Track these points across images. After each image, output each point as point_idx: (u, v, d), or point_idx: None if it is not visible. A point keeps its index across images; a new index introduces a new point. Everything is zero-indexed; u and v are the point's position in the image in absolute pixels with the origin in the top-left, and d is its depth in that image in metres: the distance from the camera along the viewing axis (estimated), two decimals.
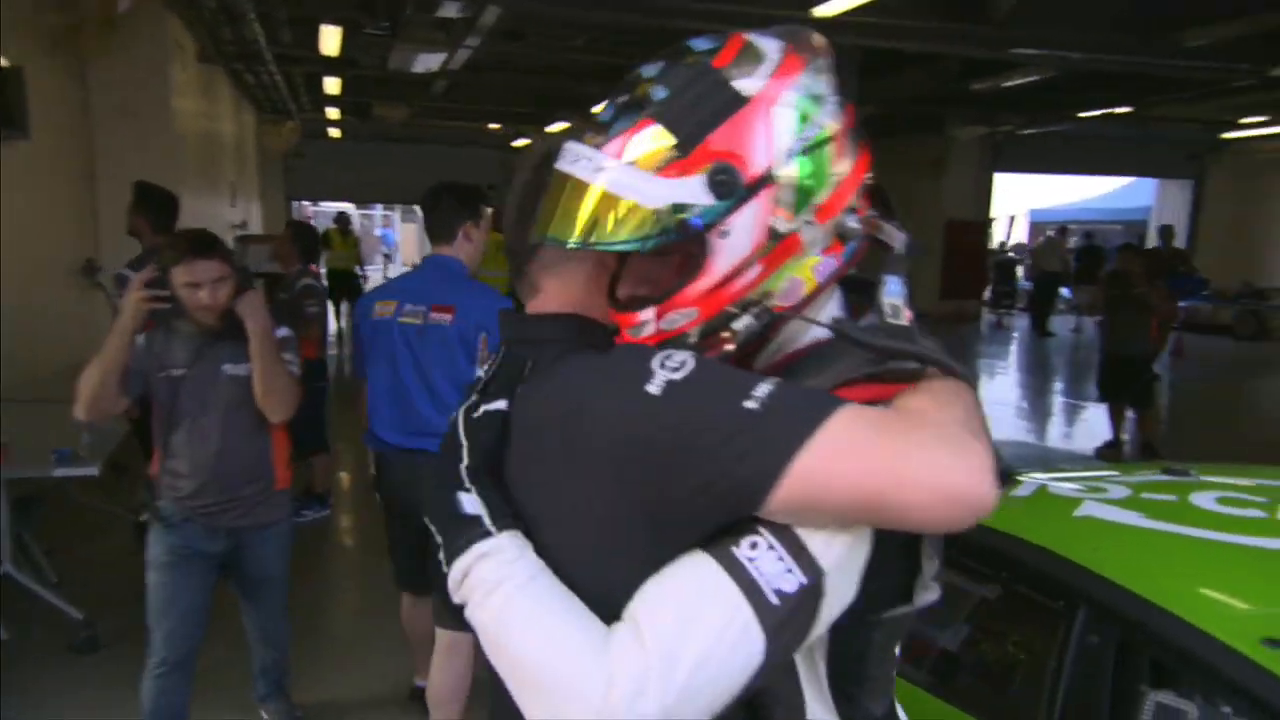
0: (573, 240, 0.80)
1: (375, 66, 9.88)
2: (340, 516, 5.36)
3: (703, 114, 0.80)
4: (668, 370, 0.76)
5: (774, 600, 0.71)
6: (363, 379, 2.90)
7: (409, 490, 2.70)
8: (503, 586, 0.79)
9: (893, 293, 0.84)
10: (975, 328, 15.91)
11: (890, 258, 0.87)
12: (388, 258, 26.77)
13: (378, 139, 17.98)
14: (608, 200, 0.79)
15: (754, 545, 0.73)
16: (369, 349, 2.81)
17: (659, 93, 0.81)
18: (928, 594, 0.88)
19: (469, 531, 0.82)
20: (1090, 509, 1.80)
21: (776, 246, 0.82)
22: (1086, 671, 1.49)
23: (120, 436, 3.97)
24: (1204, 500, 1.82)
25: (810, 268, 0.85)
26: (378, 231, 29.07)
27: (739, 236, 0.81)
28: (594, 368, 0.83)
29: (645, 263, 0.88)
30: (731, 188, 0.79)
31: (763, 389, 0.73)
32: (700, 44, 0.85)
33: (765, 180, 0.81)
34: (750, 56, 0.82)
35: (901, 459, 0.69)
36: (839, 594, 0.75)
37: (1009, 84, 10.51)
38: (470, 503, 0.84)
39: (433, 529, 0.89)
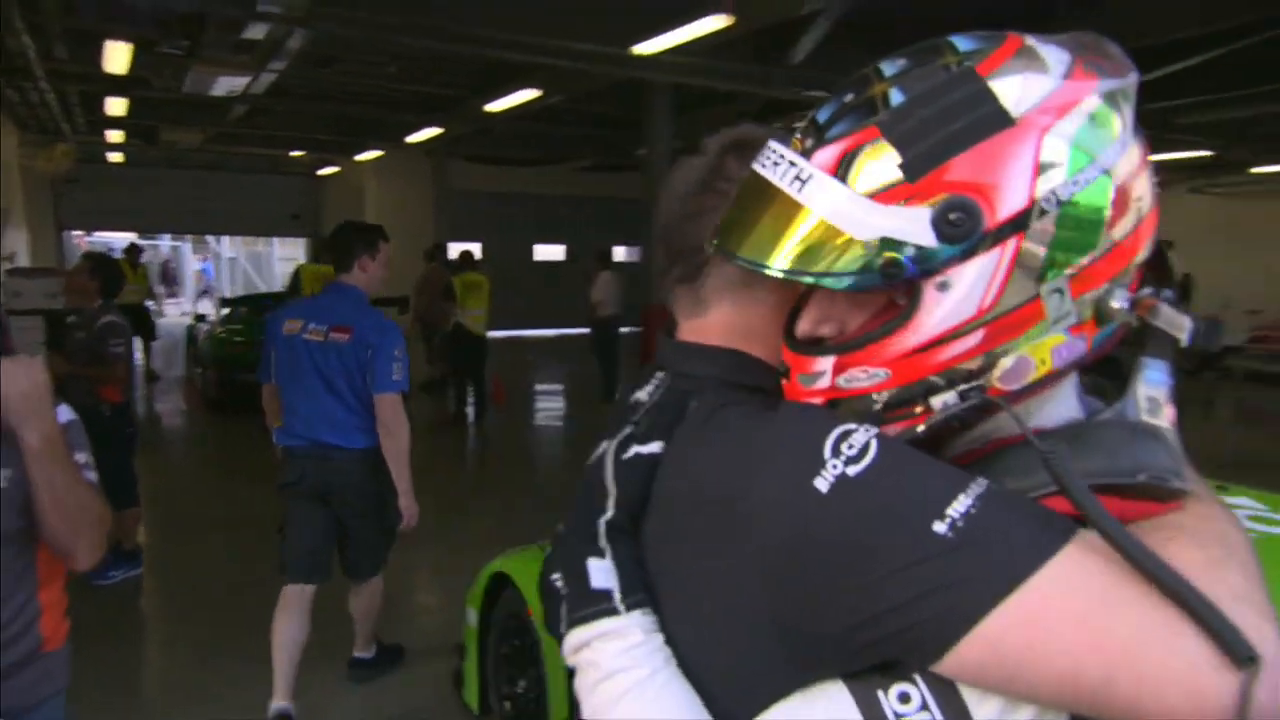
0: (773, 267, 0.64)
1: (168, 88, 9.10)
2: (149, 575, 4.80)
3: (947, 132, 0.62)
4: (842, 460, 0.61)
5: None
6: (264, 383, 3.24)
7: (314, 479, 3.09)
8: (621, 676, 0.70)
9: (1154, 381, 0.67)
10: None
11: (1155, 337, 0.67)
12: (205, 293, 23.57)
13: (166, 164, 16.56)
14: (806, 220, 0.63)
15: (904, 698, 0.61)
16: (280, 361, 3.14)
17: (896, 96, 0.64)
18: None
19: (597, 603, 0.73)
20: None
21: (1011, 314, 0.64)
22: None
23: None
24: None
25: (1050, 348, 0.65)
26: (197, 265, 26.39)
27: (962, 292, 0.63)
28: (756, 442, 0.68)
29: (837, 297, 0.70)
30: (965, 232, 0.61)
31: (962, 504, 0.57)
32: (964, 42, 0.66)
33: (1014, 228, 0.62)
34: (1030, 65, 0.63)
35: (1149, 635, 0.53)
36: None
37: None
38: (602, 573, 0.74)
39: (555, 576, 0.78)
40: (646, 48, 7.18)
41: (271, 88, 9.52)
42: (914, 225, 0.61)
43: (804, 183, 0.63)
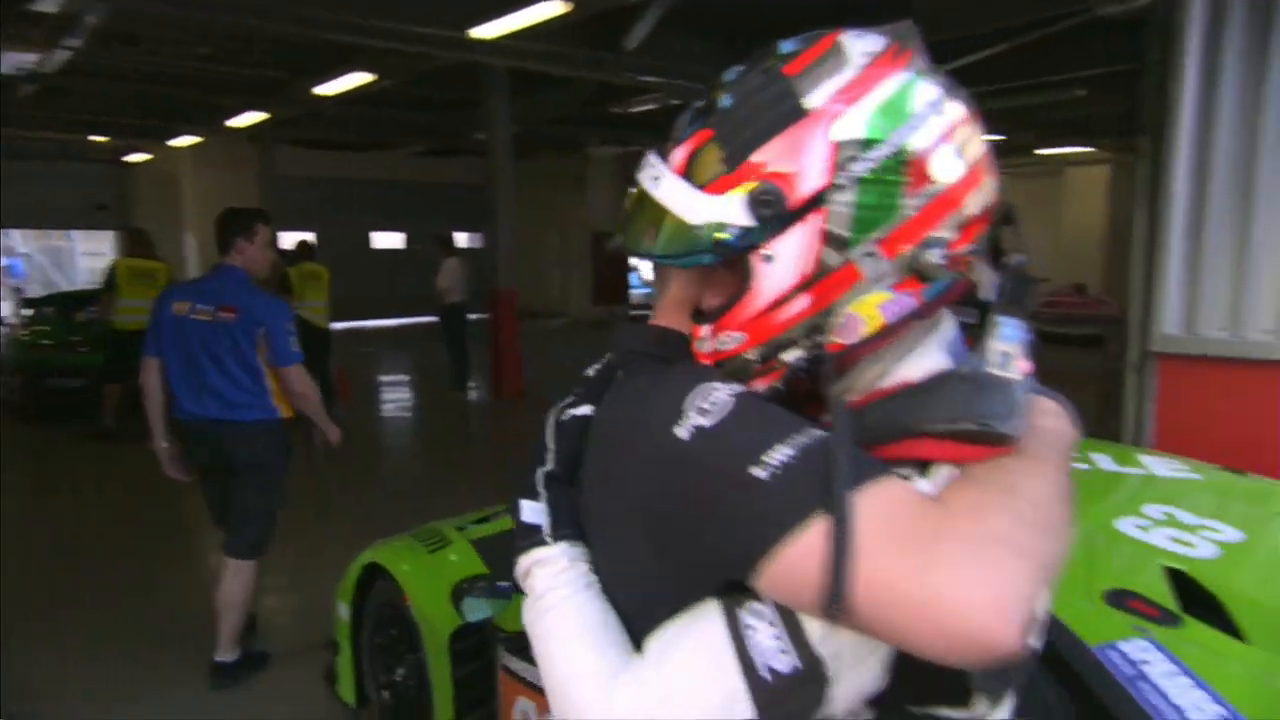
0: (633, 250, 0.79)
1: None
2: None
3: (756, 127, 0.73)
4: (698, 412, 0.70)
5: (766, 676, 0.68)
6: (150, 358, 3.32)
7: (209, 451, 3.31)
8: (546, 597, 0.82)
9: (1007, 337, 0.72)
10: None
11: (1007, 296, 0.75)
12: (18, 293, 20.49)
13: None
14: (660, 212, 0.76)
15: (757, 614, 0.69)
16: (167, 341, 3.26)
17: (725, 100, 0.75)
18: (989, 707, 0.73)
19: (529, 537, 0.86)
20: None
21: (829, 277, 0.73)
22: None
23: None
24: None
25: (876, 305, 0.73)
26: (3, 261, 23.19)
27: (784, 263, 0.73)
28: (643, 394, 0.79)
29: (715, 276, 0.80)
30: (773, 212, 0.72)
31: (781, 454, 0.66)
32: (787, 45, 0.76)
33: (814, 204, 0.72)
34: (831, 62, 0.73)
35: (913, 577, 0.60)
36: (853, 682, 0.69)
37: (639, 108, 11.49)
38: (532, 511, 0.86)
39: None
40: (484, 32, 7.09)
41: (68, 66, 8.67)
42: (734, 209, 0.73)
43: (657, 181, 0.76)
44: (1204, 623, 1.48)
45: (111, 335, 7.43)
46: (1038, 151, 15.95)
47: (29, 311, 9.50)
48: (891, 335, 0.74)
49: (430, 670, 2.52)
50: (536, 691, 2.06)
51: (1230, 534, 1.78)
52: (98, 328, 7.72)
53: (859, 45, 0.74)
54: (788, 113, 0.72)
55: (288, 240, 9.84)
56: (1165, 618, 1.48)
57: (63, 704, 3.29)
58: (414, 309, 15.52)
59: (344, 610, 2.94)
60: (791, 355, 0.76)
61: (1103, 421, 5.11)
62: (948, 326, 0.80)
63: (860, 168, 0.71)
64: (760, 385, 0.78)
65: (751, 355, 0.77)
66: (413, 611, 2.58)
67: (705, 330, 0.80)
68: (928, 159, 0.72)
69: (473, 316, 9.87)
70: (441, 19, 7.01)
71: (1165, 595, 1.54)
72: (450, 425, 9.14)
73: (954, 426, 0.68)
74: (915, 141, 0.72)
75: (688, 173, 0.76)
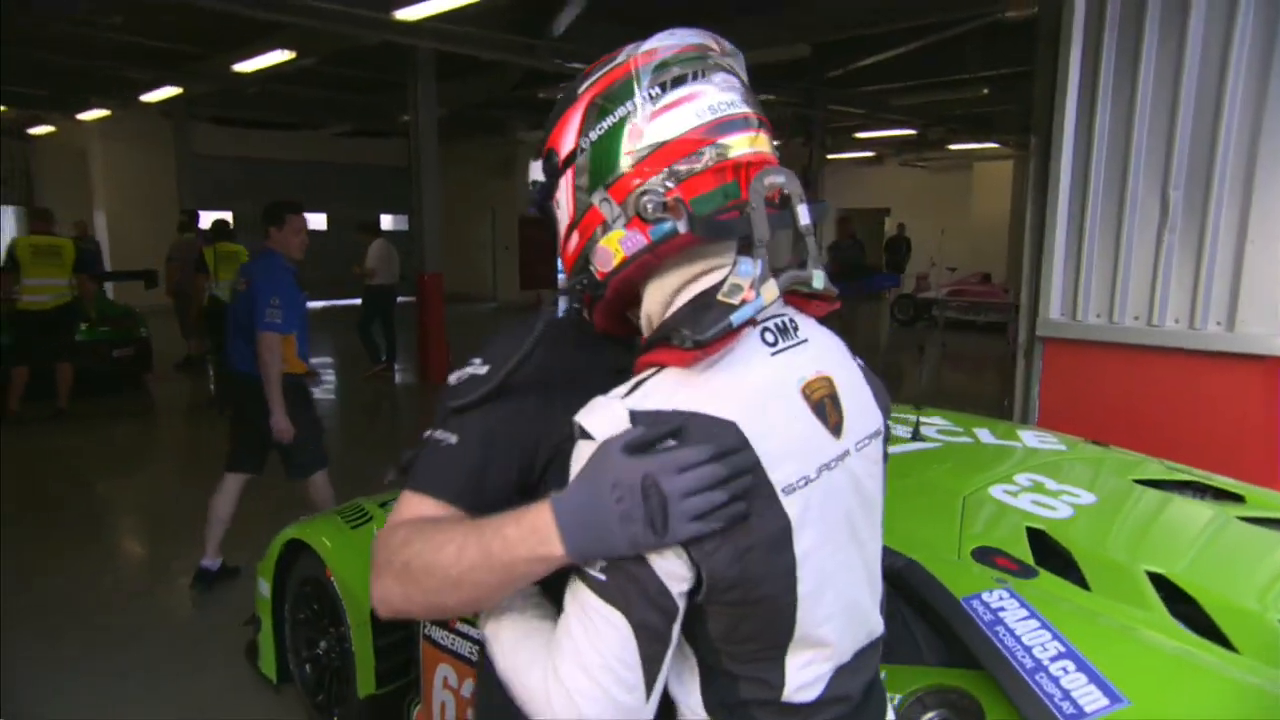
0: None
1: None
2: None
3: (555, 110, 0.98)
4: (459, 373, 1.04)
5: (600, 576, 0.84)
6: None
7: (246, 400, 3.89)
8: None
9: (741, 273, 0.89)
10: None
11: (755, 240, 0.89)
12: None
13: None
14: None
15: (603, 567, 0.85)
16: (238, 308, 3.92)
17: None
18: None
19: None
20: None
21: (584, 219, 0.95)
22: None
23: None
24: None
25: (617, 240, 0.92)
26: None
27: (562, 208, 0.98)
28: None
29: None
30: (551, 170, 0.97)
31: (438, 427, 1.01)
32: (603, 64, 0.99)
33: (569, 163, 0.95)
34: (607, 63, 0.96)
35: (374, 563, 0.95)
36: (668, 575, 0.83)
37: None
38: None
39: None
40: (410, 13, 7.00)
41: None
42: (538, 167, 0.99)
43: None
44: (1056, 575, 1.65)
45: (15, 316, 7.11)
46: (949, 147, 16.51)
47: None
48: (643, 266, 0.92)
49: (353, 642, 2.56)
50: (456, 659, 2.12)
51: (1085, 498, 1.96)
52: (2, 309, 7.36)
53: (630, 48, 0.95)
54: (568, 98, 0.97)
55: (205, 220, 9.54)
56: (1023, 571, 1.64)
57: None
58: (336, 292, 15.18)
59: (265, 587, 2.95)
60: (582, 281, 0.97)
61: (1000, 401, 5.40)
62: (725, 262, 0.95)
63: (594, 134, 0.93)
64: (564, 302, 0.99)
65: (569, 283, 0.98)
66: (336, 586, 2.61)
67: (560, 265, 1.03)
68: (642, 127, 0.91)
69: (401, 299, 9.76)
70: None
71: (1025, 552, 1.71)
72: (374, 407, 9.05)
73: (666, 337, 0.89)
74: (636, 115, 0.91)
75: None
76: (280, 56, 8.87)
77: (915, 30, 8.35)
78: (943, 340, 12.26)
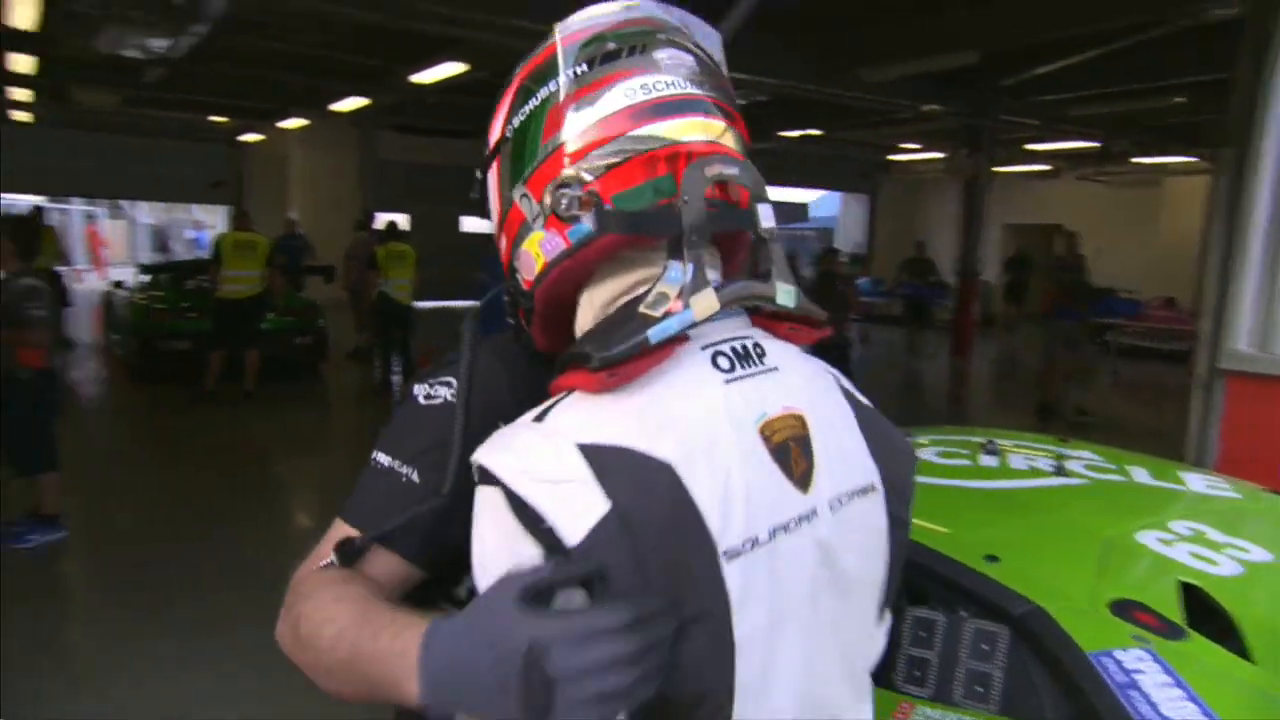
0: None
1: (78, 46, 8.67)
2: (75, 538, 4.71)
3: (499, 100, 0.86)
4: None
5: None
6: None
7: None
8: None
9: (669, 279, 0.72)
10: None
11: (686, 241, 0.72)
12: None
13: (80, 126, 15.70)
14: None
15: None
16: None
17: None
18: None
19: None
20: None
21: (508, 218, 0.82)
22: None
23: None
24: (927, 454, 2.18)
25: (538, 243, 0.78)
26: (189, 234, 24.26)
27: (489, 204, 0.86)
28: None
29: None
30: (484, 162, 0.86)
31: (380, 451, 0.87)
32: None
33: (494, 154, 0.84)
34: (537, 45, 0.83)
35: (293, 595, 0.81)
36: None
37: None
38: None
39: None
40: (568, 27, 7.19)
41: (193, 51, 9.15)
42: (480, 161, 0.87)
43: None
44: (1211, 640, 1.44)
45: (216, 304, 7.84)
46: (1136, 160, 15.20)
47: (146, 278, 10.10)
48: (567, 274, 0.78)
49: None
50: None
51: (1259, 554, 1.71)
52: (207, 296, 8.15)
53: (564, 25, 0.81)
54: (506, 83, 0.85)
55: (380, 221, 10.18)
56: (1169, 631, 1.45)
57: (131, 658, 3.53)
58: None
59: None
60: (511, 294, 0.86)
61: (1175, 438, 4.90)
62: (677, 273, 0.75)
63: (517, 120, 0.81)
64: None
65: (503, 295, 0.87)
66: None
67: None
68: (562, 111, 0.77)
69: None
70: (534, 13, 7.15)
71: (1173, 609, 1.51)
72: None
73: (574, 356, 0.73)
74: (554, 96, 0.78)
75: None
76: (455, 69, 9.34)
77: (1101, 35, 7.74)
78: (1114, 368, 11.32)
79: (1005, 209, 16.93)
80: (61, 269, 10.94)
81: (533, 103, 0.79)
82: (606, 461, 0.66)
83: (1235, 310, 3.43)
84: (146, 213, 25.37)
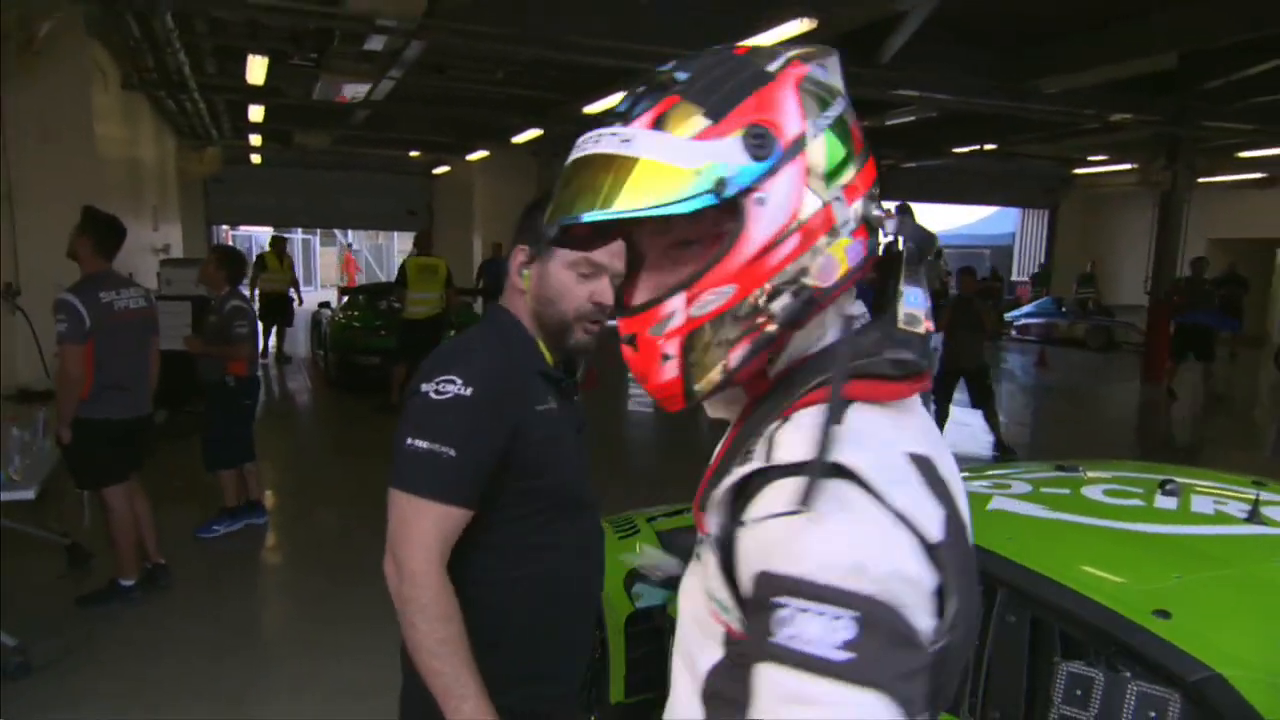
0: (620, 211, 0.71)
1: (299, 96, 9.65)
2: (273, 528, 5.17)
3: (727, 88, 0.74)
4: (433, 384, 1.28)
5: None
6: None
7: None
8: None
9: (912, 303, 0.75)
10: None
11: (909, 267, 0.77)
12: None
13: (297, 164, 17.46)
14: (641, 166, 0.71)
15: None
16: None
17: (681, 75, 0.75)
18: None
19: None
20: (1000, 503, 1.91)
21: (812, 219, 0.74)
22: (1006, 646, 1.58)
23: (52, 462, 3.75)
24: (1093, 492, 1.96)
25: (844, 249, 0.76)
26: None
27: (776, 203, 0.73)
28: None
29: (660, 264, 0.80)
30: (768, 150, 0.72)
31: (417, 438, 1.33)
32: (713, 48, 0.80)
33: (798, 148, 0.74)
34: (766, 49, 0.78)
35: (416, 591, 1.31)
36: None
37: (892, 121, 11.06)
38: None
39: None
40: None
41: (391, 93, 9.94)
42: (729, 149, 0.71)
43: (629, 141, 0.72)
44: None
45: (402, 324, 8.40)
46: None
47: (345, 299, 11.01)
48: (849, 283, 0.77)
49: (610, 648, 2.62)
50: None
51: None
52: (395, 316, 8.75)
53: (784, 46, 0.79)
54: (754, 76, 0.75)
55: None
56: None
57: (320, 636, 3.79)
58: None
59: None
60: (779, 303, 0.74)
61: None
62: (853, 290, 0.81)
63: (823, 120, 0.75)
64: (739, 351, 0.75)
65: (741, 310, 0.74)
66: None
67: (676, 301, 0.75)
68: (851, 127, 0.77)
69: None
70: (699, 42, 7.21)
71: None
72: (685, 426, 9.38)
73: (870, 367, 0.71)
74: (846, 112, 0.77)
75: (663, 129, 0.73)
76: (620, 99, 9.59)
77: None
78: None
79: (1210, 222, 15.25)
80: (292, 292, 11.84)
81: (833, 110, 0.76)
82: (923, 469, 0.70)
83: None
84: (353, 239, 27.74)
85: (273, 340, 11.48)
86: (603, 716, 2.74)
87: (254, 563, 4.77)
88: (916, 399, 0.77)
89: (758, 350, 0.75)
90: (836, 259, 0.75)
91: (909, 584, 0.62)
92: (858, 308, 0.81)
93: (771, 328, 0.74)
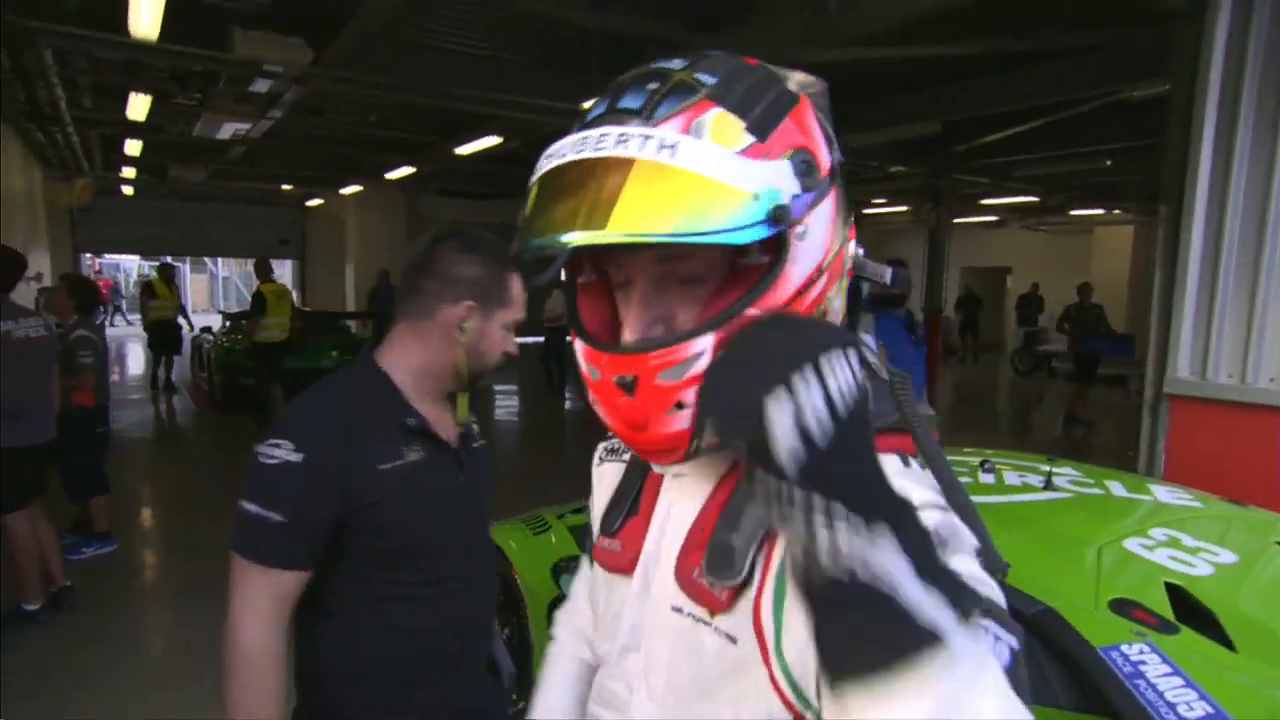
0: (660, 234, 0.52)
1: (180, 133, 8.84)
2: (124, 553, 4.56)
3: (765, 103, 0.57)
4: None
5: None
6: None
7: None
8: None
9: (873, 348, 0.65)
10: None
11: (861, 318, 0.67)
12: None
13: (171, 196, 15.92)
14: (688, 181, 0.53)
15: None
16: None
17: (707, 78, 0.57)
18: None
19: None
20: None
21: (837, 258, 0.60)
22: None
23: None
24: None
25: (844, 292, 0.63)
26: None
27: (815, 239, 0.58)
28: None
29: (660, 297, 0.61)
30: (814, 180, 0.57)
31: (251, 502, 1.17)
32: (714, 51, 0.61)
33: (833, 178, 0.59)
34: (772, 67, 0.62)
35: (244, 656, 1.17)
36: None
37: None
38: None
39: None
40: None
41: (269, 131, 9.29)
42: (783, 175, 0.56)
43: (672, 149, 0.53)
44: (1197, 633, 1.44)
45: (256, 348, 7.62)
46: (1071, 212, 15.31)
47: (228, 324, 10.15)
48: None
49: (531, 633, 2.60)
50: None
51: (1226, 557, 1.71)
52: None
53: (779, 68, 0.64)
54: (783, 95, 0.59)
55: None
56: (1163, 626, 1.45)
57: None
58: (526, 332, 15.92)
59: None
60: None
61: (1123, 452, 4.89)
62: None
63: (837, 154, 0.62)
64: None
65: None
66: (519, 583, 2.67)
67: (705, 341, 0.56)
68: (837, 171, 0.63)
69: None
70: (558, 94, 7.27)
71: (1164, 607, 1.51)
72: (549, 429, 9.37)
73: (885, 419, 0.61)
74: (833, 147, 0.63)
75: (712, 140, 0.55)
76: (491, 141, 9.47)
77: (1037, 109, 7.83)
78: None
79: (961, 254, 17.03)
80: (180, 320, 10.63)
81: (836, 151, 0.61)
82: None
83: (1176, 342, 3.43)
84: (222, 267, 25.61)
85: (161, 370, 10.35)
86: (523, 694, 2.71)
87: (113, 584, 4.14)
88: None
89: None
90: (839, 301, 0.63)
91: None
92: None
93: None
